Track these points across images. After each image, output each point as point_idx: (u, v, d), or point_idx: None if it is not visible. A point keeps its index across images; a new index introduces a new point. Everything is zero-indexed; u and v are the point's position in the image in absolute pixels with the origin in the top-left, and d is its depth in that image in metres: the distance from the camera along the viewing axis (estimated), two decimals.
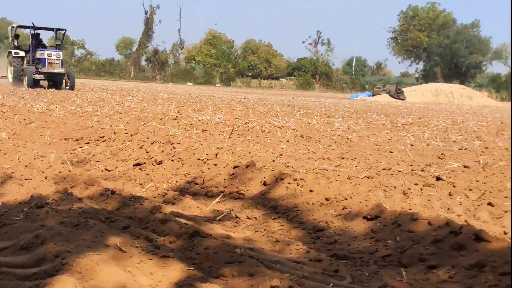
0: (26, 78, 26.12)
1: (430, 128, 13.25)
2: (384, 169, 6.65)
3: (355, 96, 47.24)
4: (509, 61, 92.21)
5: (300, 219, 4.43)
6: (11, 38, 28.86)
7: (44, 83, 28.05)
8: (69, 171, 5.95)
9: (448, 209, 4.79)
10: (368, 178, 5.99)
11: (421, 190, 5.51)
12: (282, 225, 4.33)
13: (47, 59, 26.56)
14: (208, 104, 20.41)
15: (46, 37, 34.96)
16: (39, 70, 26.80)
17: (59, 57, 27.13)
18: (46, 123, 9.76)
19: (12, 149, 7.02)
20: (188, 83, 70.02)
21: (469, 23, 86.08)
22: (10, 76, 28.37)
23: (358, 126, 13.18)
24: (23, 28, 30.06)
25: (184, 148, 6.89)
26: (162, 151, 6.95)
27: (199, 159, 6.39)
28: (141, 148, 7.26)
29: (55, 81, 27.51)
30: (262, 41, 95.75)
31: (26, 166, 6.03)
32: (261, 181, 5.30)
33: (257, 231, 4.14)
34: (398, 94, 44.23)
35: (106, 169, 6.58)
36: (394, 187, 5.47)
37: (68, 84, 27.24)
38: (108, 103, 16.31)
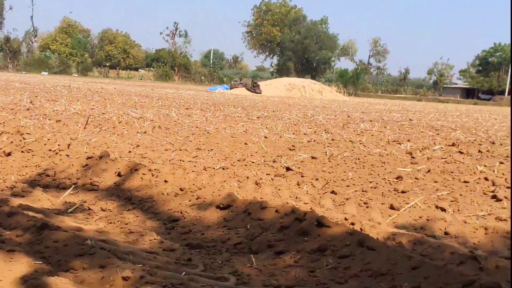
0: None
1: (283, 121, 13.69)
2: (238, 160, 6.79)
3: (213, 88, 47.57)
4: (355, 57, 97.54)
5: (155, 210, 4.41)
6: None
7: None
8: None
9: (296, 197, 5.00)
10: (223, 169, 6.10)
11: (272, 180, 5.71)
12: (137, 216, 4.29)
13: None
14: (64, 94, 19.65)
15: None
16: None
17: None
18: None
19: None
20: (43, 73, 66.90)
21: (318, 20, 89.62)
22: None
23: (215, 118, 13.32)
24: None
25: (35, 139, 6.60)
26: (11, 142, 6.62)
27: (50, 150, 6.16)
28: None
29: None
30: (119, 31, 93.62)
31: None
32: (115, 172, 5.21)
33: (110, 223, 4.07)
34: (254, 88, 45.12)
35: None
36: (247, 177, 5.62)
37: None
38: None
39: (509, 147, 9.39)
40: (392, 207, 4.69)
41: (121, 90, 28.31)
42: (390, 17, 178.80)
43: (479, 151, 8.52)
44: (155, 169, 5.08)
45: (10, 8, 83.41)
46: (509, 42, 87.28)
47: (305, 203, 4.73)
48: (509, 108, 52.62)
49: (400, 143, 9.36)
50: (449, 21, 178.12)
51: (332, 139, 9.55)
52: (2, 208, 3.63)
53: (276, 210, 3.79)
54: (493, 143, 10.25)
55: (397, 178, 5.93)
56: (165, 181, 4.76)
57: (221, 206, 4.13)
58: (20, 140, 6.58)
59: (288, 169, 6.28)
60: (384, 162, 7.03)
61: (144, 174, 5.00)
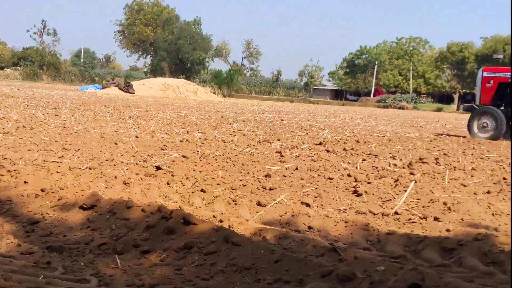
0: None
1: (156, 121, 13.54)
2: (107, 160, 6.62)
3: (84, 88, 46.14)
4: (229, 58, 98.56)
5: (14, 212, 4.18)
6: None
7: None
8: None
9: (166, 196, 4.95)
10: (90, 169, 5.92)
11: (142, 179, 5.62)
12: None
13: None
14: None
15: None
16: None
17: None
18: None
19: None
20: None
21: (192, 20, 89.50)
22: None
23: (85, 118, 12.93)
24: None
25: None
26: None
27: None
28: None
29: None
30: None
31: None
32: None
33: None
34: (127, 88, 44.29)
35: None
36: (115, 177, 5.49)
37: None
38: None
39: (372, 145, 9.89)
40: (259, 204, 4.77)
41: None
42: (262, 19, 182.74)
43: (344, 149, 8.88)
44: (14, 170, 4.83)
45: None
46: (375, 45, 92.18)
47: (174, 202, 4.70)
48: (373, 108, 55.59)
49: (270, 143, 9.56)
50: (318, 25, 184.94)
51: (205, 139, 9.58)
52: None
53: (143, 209, 3.73)
54: (358, 141, 10.73)
55: (265, 176, 6.04)
56: (25, 182, 4.54)
57: (85, 206, 4.00)
58: None
59: (158, 168, 6.21)
60: (254, 161, 7.14)
61: (2, 175, 4.74)
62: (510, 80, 15.19)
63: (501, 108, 15.22)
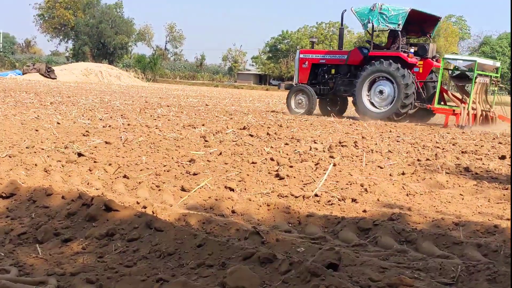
0: None
1: (78, 107, 13.20)
2: (27, 147, 6.41)
3: (4, 74, 44.35)
4: (152, 43, 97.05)
5: None
6: None
7: None
8: None
9: (88, 183, 4.85)
10: (10, 156, 5.72)
11: (63, 166, 5.48)
12: None
13: None
14: None
15: None
16: None
17: None
18: None
19: None
20: None
21: (113, 4, 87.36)
22: None
23: (5, 105, 12.46)
24: None
25: None
26: None
27: None
28: None
29: None
30: None
31: None
32: None
33: None
34: (48, 73, 42.94)
35: None
36: (36, 165, 5.33)
37: None
38: None
39: (294, 129, 10.03)
40: (183, 189, 4.75)
41: None
42: (185, 2, 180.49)
43: (268, 134, 8.97)
44: None
45: None
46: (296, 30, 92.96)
47: (96, 189, 4.61)
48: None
49: (195, 127, 9.52)
50: (241, 8, 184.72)
51: (128, 124, 9.43)
52: None
53: (63, 196, 3.64)
54: (281, 126, 10.87)
55: (190, 161, 6.02)
56: None
57: (4, 195, 3.86)
58: None
59: (80, 155, 6.07)
60: (178, 146, 7.10)
61: None
62: (321, 61, 16.99)
63: (315, 86, 16.98)
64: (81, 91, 24.13)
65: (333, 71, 16.82)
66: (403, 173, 5.98)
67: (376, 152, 7.45)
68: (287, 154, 6.79)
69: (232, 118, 12.52)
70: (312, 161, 6.33)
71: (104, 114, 11.55)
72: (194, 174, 5.37)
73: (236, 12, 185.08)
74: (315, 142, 8.12)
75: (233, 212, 4.24)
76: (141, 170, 5.47)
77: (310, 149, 7.30)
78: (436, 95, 15.00)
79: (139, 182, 4.91)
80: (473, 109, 14.49)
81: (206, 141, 7.70)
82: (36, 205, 3.68)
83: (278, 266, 2.59)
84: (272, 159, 6.31)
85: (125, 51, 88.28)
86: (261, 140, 8.24)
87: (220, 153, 6.65)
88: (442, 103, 15.64)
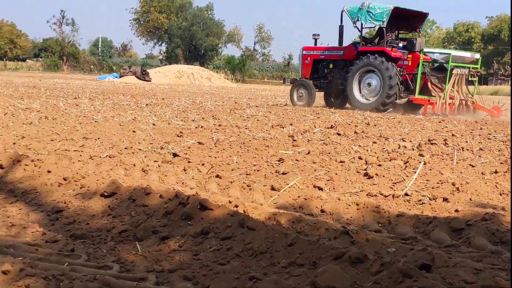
0: None
1: (171, 108, 13.55)
2: (126, 148, 6.65)
3: (103, 77, 46.20)
4: (242, 44, 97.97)
5: (38, 201, 4.23)
6: None
7: None
8: None
9: (183, 183, 4.97)
10: (110, 157, 5.96)
11: (159, 166, 5.65)
12: (20, 209, 4.09)
13: None
14: None
15: None
16: None
17: None
18: None
19: None
20: None
21: (204, 6, 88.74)
22: None
23: (104, 107, 12.98)
24: None
25: None
26: None
27: None
28: None
29: None
30: (4, 20, 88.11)
31: None
32: None
33: None
34: (143, 76, 44.34)
35: None
36: (134, 165, 5.52)
37: None
38: None
39: (382, 127, 9.86)
40: (273, 188, 4.77)
41: (8, 81, 26.88)
42: (273, 3, 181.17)
43: (355, 132, 8.86)
44: (38, 160, 4.87)
45: None
46: None
47: (191, 188, 4.72)
48: None
49: (283, 127, 9.54)
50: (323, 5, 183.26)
51: (219, 125, 9.58)
52: None
53: (160, 195, 3.76)
54: (368, 124, 10.70)
55: (279, 161, 6.04)
56: (48, 172, 4.58)
57: (106, 194, 4.03)
58: None
59: (175, 155, 6.23)
60: (267, 146, 7.14)
61: (26, 165, 4.77)
62: (321, 57, 18.17)
63: (316, 80, 18.18)
64: (174, 93, 24.77)
65: (331, 66, 18.05)
66: (495, 172, 5.73)
67: (467, 150, 7.19)
68: (375, 153, 6.68)
69: (319, 117, 12.45)
70: (401, 160, 6.19)
71: (196, 115, 11.80)
72: (283, 174, 5.39)
73: (320, 11, 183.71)
74: (403, 140, 7.94)
75: (322, 211, 4.22)
76: (232, 169, 5.55)
77: (399, 148, 7.14)
78: (417, 86, 16.02)
79: (231, 182, 4.98)
80: (450, 98, 15.72)
81: (294, 140, 7.71)
82: (136, 204, 3.82)
83: (369, 267, 2.55)
84: (360, 158, 6.23)
85: (216, 52, 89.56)
86: (348, 139, 8.15)
87: (308, 152, 6.63)
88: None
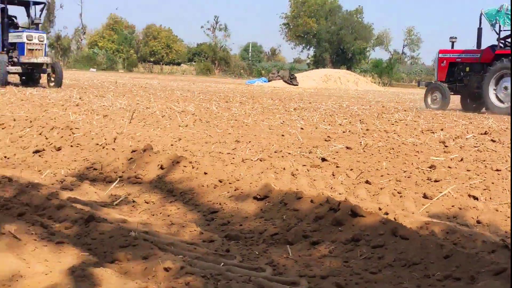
0: None
1: (319, 112, 13.60)
2: (275, 152, 6.77)
3: (252, 81, 47.51)
4: (390, 47, 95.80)
5: (195, 202, 4.44)
6: None
7: (14, 77, 19.71)
8: None
9: (331, 188, 4.96)
10: (261, 160, 6.09)
11: (308, 171, 5.68)
12: (178, 208, 4.32)
13: (27, 43, 17.98)
14: (110, 90, 19.93)
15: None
16: (14, 59, 18.32)
17: (43, 41, 18.49)
18: None
19: None
20: (91, 69, 67.77)
21: (353, 10, 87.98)
22: None
23: (254, 111, 13.32)
24: None
25: (83, 133, 6.72)
26: (62, 137, 6.73)
27: (97, 144, 6.25)
28: (40, 134, 7.00)
29: (32, 74, 19.41)
30: (162, 26, 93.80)
31: None
32: (158, 165, 5.25)
33: (153, 215, 4.12)
34: (291, 80, 44.92)
35: (5, 157, 6.29)
36: (284, 169, 5.59)
37: (53, 79, 19.16)
38: (10, 90, 15.58)
39: None
40: (425, 196, 4.61)
41: (164, 85, 28.58)
42: (424, 4, 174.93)
43: None
44: (195, 162, 5.10)
45: (61, 7, 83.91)
46: None
47: (340, 194, 4.70)
48: None
49: (433, 132, 9.21)
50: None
51: (367, 129, 9.45)
52: (52, 201, 3.70)
53: (311, 200, 3.77)
54: None
55: (430, 167, 5.82)
56: (205, 173, 4.78)
57: (258, 197, 4.13)
58: (70, 135, 6.70)
59: (323, 159, 6.24)
60: (417, 151, 6.92)
61: (185, 166, 5.02)
62: (457, 60, 17.88)
63: (452, 83, 17.85)
64: (321, 97, 24.85)
65: (467, 69, 17.60)
66: None
67: None
68: None
69: (471, 122, 11.86)
70: None
71: (343, 119, 11.74)
72: (436, 181, 5.18)
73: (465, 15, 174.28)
74: None
75: (478, 222, 4.00)
76: (381, 175, 5.44)
77: None
78: None
79: (381, 188, 4.88)
80: None
81: (446, 146, 7.39)
82: (287, 208, 3.87)
83: None
84: None
85: (363, 56, 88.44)
86: (504, 146, 7.67)
87: (461, 159, 6.32)
88: None
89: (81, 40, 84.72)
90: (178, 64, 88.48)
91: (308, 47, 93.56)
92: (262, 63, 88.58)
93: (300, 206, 3.79)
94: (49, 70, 19.14)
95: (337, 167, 5.86)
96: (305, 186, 4.78)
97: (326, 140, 7.95)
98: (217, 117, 11.18)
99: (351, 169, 5.70)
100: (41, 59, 18.37)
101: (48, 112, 10.05)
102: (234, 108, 13.90)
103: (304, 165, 5.96)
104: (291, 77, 45.56)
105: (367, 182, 5.11)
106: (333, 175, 5.46)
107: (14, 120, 7.89)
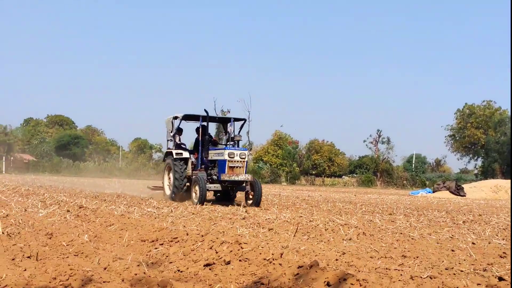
0: (197, 189, 17.13)
1: (491, 226, 12.74)
2: (446, 269, 6.39)
3: (416, 192, 46.21)
4: None
5: None
6: (172, 133, 19.56)
7: (209, 193, 18.63)
8: (144, 273, 5.99)
9: None
10: (431, 278, 5.76)
11: None
12: None
13: (228, 161, 17.32)
14: (274, 202, 20.39)
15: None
16: (214, 177, 17.89)
17: (244, 158, 17.71)
18: (125, 225, 9.95)
19: (93, 251, 7.16)
20: None
21: None
22: (167, 186, 19.61)
23: (419, 224, 12.82)
24: (191, 119, 19.68)
25: (251, 248, 6.87)
26: (231, 251, 6.94)
27: (265, 259, 6.34)
28: (211, 248, 7.28)
29: (228, 192, 18.75)
30: (325, 140, 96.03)
31: (105, 269, 6.12)
32: (324, 282, 5.17)
33: None
34: (458, 191, 43.06)
35: (179, 270, 6.59)
36: None
37: (251, 197, 17.83)
38: (182, 204, 16.55)
39: None
40: None
41: (326, 197, 28.70)
42: None
43: None
44: (363, 279, 4.96)
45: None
46: None
47: None
48: None
49: None
50: None
51: None
52: None
53: None
54: None
55: None
56: None
57: None
58: (238, 250, 6.89)
59: (500, 279, 5.74)
60: None
61: (352, 284, 4.90)
62: None
63: None
64: (492, 208, 23.35)
65: None
66: None
67: None
68: None
69: None
70: None
71: None
72: None
73: None
74: None
75: None
76: None
77: None
78: None
79: None
80: None
81: None
82: None
83: None
84: None
85: None
86: None
87: None
88: None
89: (249, 155, 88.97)
90: (340, 176, 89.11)
91: (475, 157, 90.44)
92: (426, 174, 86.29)
93: None
94: (247, 187, 17.98)
95: None
96: None
97: (501, 257, 7.37)
98: (381, 230, 10.90)
99: None
100: (241, 177, 17.37)
101: (217, 225, 10.48)
102: (398, 220, 13.49)
103: (479, 284, 5.52)
104: (458, 187, 43.70)
105: None
106: None
107: (187, 234, 8.32)
